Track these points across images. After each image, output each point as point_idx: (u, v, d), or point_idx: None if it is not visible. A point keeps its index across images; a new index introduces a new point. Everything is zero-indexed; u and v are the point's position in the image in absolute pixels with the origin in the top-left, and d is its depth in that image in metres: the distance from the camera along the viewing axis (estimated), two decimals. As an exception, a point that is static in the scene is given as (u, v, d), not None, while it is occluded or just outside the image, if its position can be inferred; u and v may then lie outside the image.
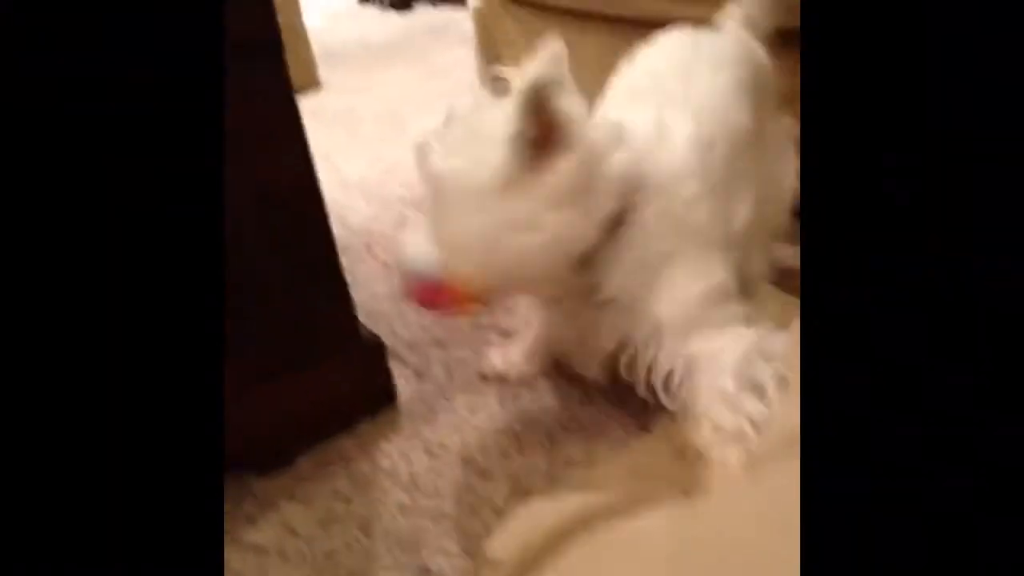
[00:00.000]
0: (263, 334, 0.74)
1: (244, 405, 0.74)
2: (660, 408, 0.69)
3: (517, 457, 0.77)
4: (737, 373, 0.62)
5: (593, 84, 1.31)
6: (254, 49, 0.64)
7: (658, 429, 0.74)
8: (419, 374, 0.90)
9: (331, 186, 1.41)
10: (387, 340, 0.96)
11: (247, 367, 0.74)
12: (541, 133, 0.58)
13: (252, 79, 0.64)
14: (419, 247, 0.64)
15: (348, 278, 1.10)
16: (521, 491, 0.74)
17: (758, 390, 0.61)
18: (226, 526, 0.73)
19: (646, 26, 1.18)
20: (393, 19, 2.67)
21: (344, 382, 0.80)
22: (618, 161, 0.63)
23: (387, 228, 1.25)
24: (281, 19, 0.65)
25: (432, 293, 0.65)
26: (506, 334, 0.96)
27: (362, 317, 1.01)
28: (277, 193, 0.69)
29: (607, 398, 0.83)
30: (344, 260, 1.15)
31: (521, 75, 0.59)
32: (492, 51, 1.55)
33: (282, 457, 0.78)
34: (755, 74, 0.78)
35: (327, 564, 0.68)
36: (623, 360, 0.70)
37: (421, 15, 2.68)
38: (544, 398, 0.85)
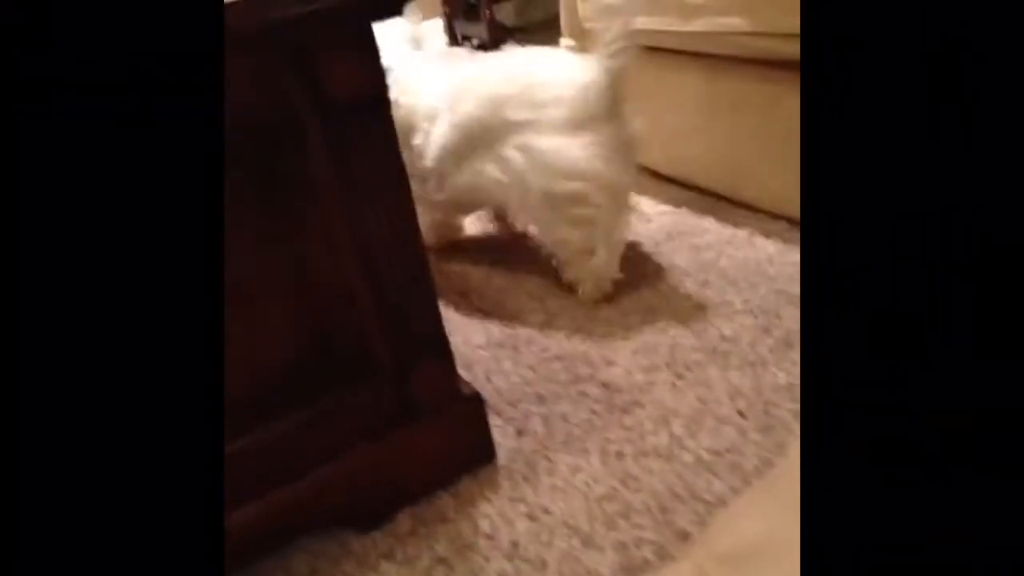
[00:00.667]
0: (364, 391, 0.73)
1: (344, 462, 0.73)
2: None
3: (624, 526, 0.72)
4: None
5: (694, 119, 1.27)
6: (363, 106, 0.64)
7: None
8: (519, 430, 0.87)
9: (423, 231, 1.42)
10: (484, 391, 0.94)
11: (348, 424, 0.73)
12: None
13: (361, 136, 0.65)
14: None
15: (444, 327, 1.10)
16: (630, 564, 0.69)
17: None
18: (326, 586, 0.72)
19: (749, 64, 1.14)
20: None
21: (443, 439, 0.79)
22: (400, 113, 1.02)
23: (482, 273, 1.24)
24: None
25: None
26: (607, 385, 0.92)
27: (457, 367, 0.99)
28: (382, 250, 0.69)
29: (728, 466, 0.77)
30: (439, 305, 1.16)
31: None
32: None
33: (382, 515, 0.77)
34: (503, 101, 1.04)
35: (427, 635, 0.66)
36: None
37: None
38: (651, 461, 0.79)
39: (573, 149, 0.98)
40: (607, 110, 1.00)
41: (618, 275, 1.09)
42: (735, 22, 1.09)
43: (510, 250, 1.29)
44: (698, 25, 1.15)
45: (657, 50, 1.30)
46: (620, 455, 0.81)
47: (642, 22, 1.26)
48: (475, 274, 1.24)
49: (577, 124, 0.98)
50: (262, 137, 0.63)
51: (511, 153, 1.02)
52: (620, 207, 1.05)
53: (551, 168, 0.99)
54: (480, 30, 2.81)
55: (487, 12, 2.75)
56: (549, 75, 1.02)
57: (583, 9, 1.40)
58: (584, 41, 1.47)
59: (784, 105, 1.11)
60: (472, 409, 0.80)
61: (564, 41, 1.54)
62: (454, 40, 3.06)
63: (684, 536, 0.70)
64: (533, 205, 1.04)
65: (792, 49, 1.04)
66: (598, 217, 1.01)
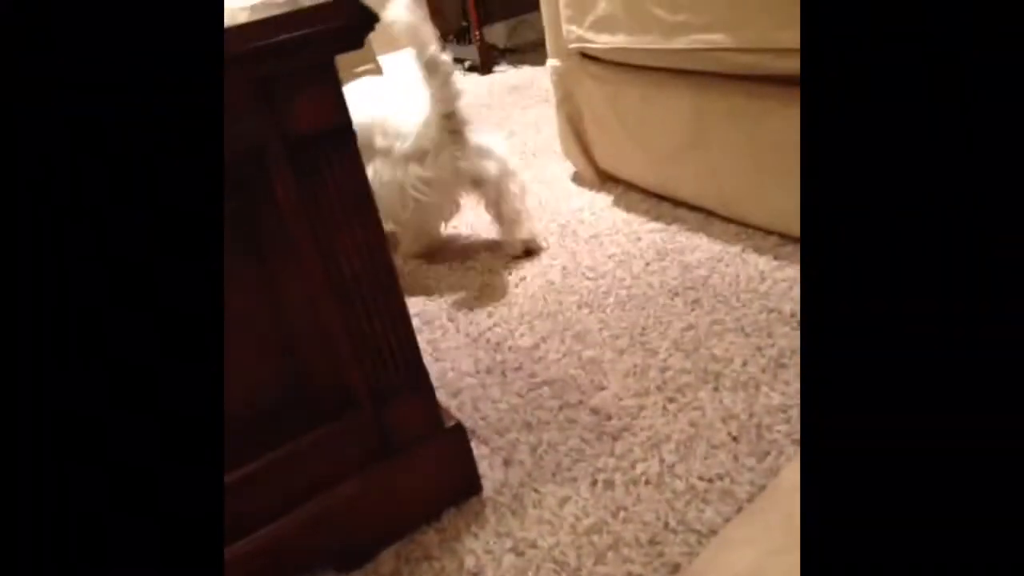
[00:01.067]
0: (341, 426, 0.71)
1: (323, 500, 0.71)
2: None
3: (613, 559, 0.70)
4: None
5: (682, 136, 1.26)
6: (327, 136, 0.63)
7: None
8: (506, 460, 0.85)
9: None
10: (471, 420, 0.92)
11: (325, 461, 0.71)
12: None
13: (327, 167, 0.64)
14: None
15: (430, 352, 1.09)
16: (619, 601, 0.66)
17: None
18: (307, 630, 0.70)
19: (734, 80, 1.13)
20: (474, 81, 2.73)
21: (426, 473, 0.76)
22: None
23: (471, 296, 1.23)
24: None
25: None
26: (596, 411, 0.90)
27: (444, 396, 0.98)
28: (354, 281, 0.67)
29: (720, 493, 0.74)
30: (426, 332, 1.14)
31: None
32: (572, 108, 1.53)
33: (364, 554, 0.74)
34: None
35: None
36: None
37: (501, 75, 2.72)
38: (641, 490, 0.77)
39: (408, 178, 1.23)
40: (440, 143, 1.22)
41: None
42: (717, 38, 1.08)
43: (498, 272, 1.27)
44: (681, 43, 1.14)
45: (642, 68, 1.30)
46: (609, 484, 0.79)
47: (625, 41, 1.26)
48: (464, 298, 1.22)
49: (413, 157, 1.23)
50: (228, 171, 0.62)
51: (374, 174, 1.26)
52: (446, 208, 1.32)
53: (391, 195, 1.26)
54: (472, 52, 2.82)
55: (476, 34, 2.76)
56: (400, 108, 1.27)
57: (567, 32, 1.39)
58: (569, 62, 1.46)
59: (772, 120, 1.10)
60: (455, 441, 0.78)
61: (551, 62, 1.54)
62: (447, 63, 3.07)
63: (675, 569, 0.68)
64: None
65: (776, 64, 1.03)
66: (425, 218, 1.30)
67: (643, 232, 1.30)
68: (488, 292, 1.22)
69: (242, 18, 0.66)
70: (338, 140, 0.63)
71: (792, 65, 0.99)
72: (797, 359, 0.91)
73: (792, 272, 1.08)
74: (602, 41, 1.31)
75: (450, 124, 1.21)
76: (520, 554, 0.73)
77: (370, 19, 0.61)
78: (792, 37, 0.97)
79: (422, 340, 1.07)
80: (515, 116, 2.18)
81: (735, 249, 1.18)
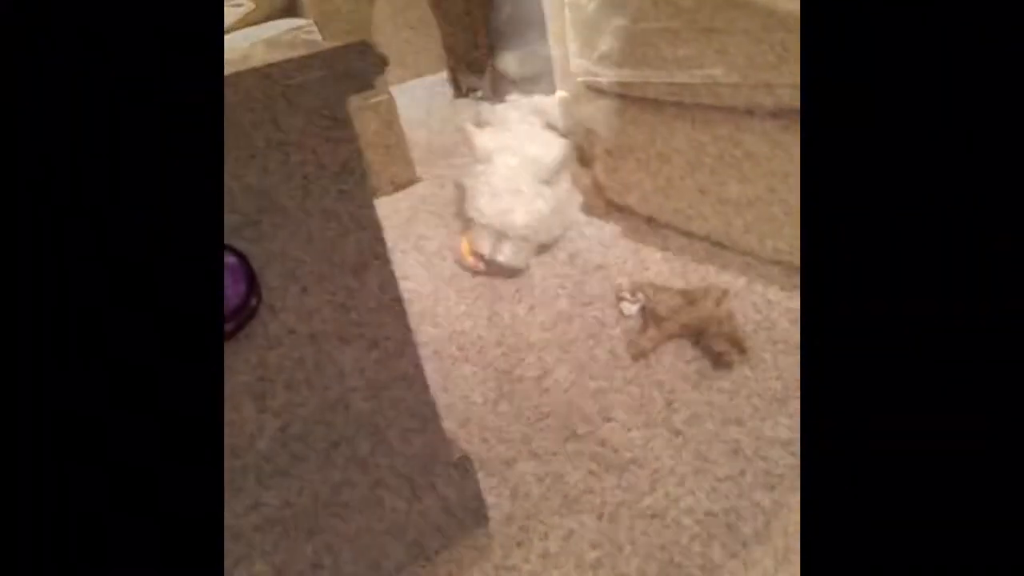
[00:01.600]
0: (345, 459, 0.72)
1: (327, 534, 0.72)
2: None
3: (619, 594, 0.70)
4: None
5: (687, 168, 1.27)
6: (340, 177, 0.65)
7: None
8: (512, 491, 0.85)
9: (423, 282, 1.43)
10: (478, 450, 0.93)
11: (331, 498, 0.72)
12: None
13: (340, 208, 0.65)
14: None
15: (439, 381, 1.10)
16: (625, 636, 0.66)
17: None
18: (314, 663, 0.70)
19: (736, 113, 1.15)
20: (485, 109, 2.76)
21: (432, 506, 0.77)
22: None
23: (480, 325, 1.24)
24: (380, 123, 0.64)
25: None
26: (603, 443, 0.90)
27: (452, 425, 0.99)
28: (366, 324, 0.69)
29: (725, 527, 0.74)
30: (435, 362, 1.15)
31: None
32: (580, 139, 1.55)
33: (371, 586, 0.75)
34: None
35: None
36: None
37: (513, 103, 2.75)
38: (647, 524, 0.77)
39: None
40: None
41: None
42: (715, 73, 1.10)
43: (506, 299, 1.29)
44: (681, 77, 1.16)
45: (649, 101, 1.32)
46: (615, 518, 0.79)
47: (631, 75, 1.28)
48: (474, 327, 1.23)
49: None
50: (238, 211, 0.64)
51: None
52: None
53: None
54: (483, 82, 2.87)
55: (488, 64, 2.81)
56: None
57: (575, 66, 1.42)
58: (577, 93, 1.49)
59: (777, 153, 1.11)
60: (462, 474, 0.78)
61: (559, 94, 1.57)
62: (459, 92, 3.12)
63: (681, 604, 0.68)
64: None
65: (771, 100, 1.05)
66: None
67: (651, 262, 1.31)
68: (497, 321, 1.24)
69: (258, 51, 0.69)
70: (349, 179, 0.64)
71: (794, 100, 1.00)
72: (803, 392, 0.91)
73: (798, 303, 1.09)
74: (609, 75, 1.33)
75: None
76: (526, 588, 0.73)
77: (381, 62, 0.63)
78: (793, 71, 0.99)
79: (430, 369, 1.08)
80: (525, 145, 2.20)
81: (742, 280, 1.18)
